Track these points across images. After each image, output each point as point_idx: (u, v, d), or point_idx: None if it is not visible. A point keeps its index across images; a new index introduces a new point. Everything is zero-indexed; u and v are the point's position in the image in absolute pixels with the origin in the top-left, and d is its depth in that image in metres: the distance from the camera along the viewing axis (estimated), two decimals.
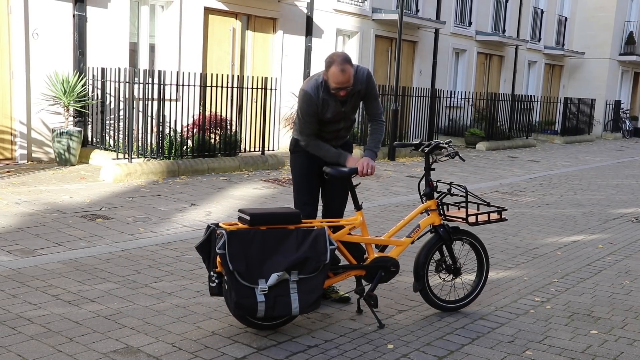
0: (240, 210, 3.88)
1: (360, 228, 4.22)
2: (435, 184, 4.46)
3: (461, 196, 4.45)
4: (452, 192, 4.42)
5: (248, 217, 3.76)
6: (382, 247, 4.37)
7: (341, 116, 4.35)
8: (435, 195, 4.44)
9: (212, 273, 3.80)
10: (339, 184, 4.45)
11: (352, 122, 4.51)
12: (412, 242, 4.40)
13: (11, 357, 3.35)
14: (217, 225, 3.81)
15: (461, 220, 4.39)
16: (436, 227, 4.40)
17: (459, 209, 4.48)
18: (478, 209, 4.46)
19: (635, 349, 3.97)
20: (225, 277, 3.67)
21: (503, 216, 4.55)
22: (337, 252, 4.04)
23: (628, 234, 7.41)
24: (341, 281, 4.56)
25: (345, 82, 4.09)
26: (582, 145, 21.40)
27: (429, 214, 4.42)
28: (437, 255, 4.50)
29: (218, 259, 3.68)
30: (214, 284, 3.81)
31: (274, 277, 3.66)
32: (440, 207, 4.43)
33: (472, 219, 4.39)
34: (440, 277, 4.53)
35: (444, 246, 4.47)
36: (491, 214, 4.47)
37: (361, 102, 4.49)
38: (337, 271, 4.15)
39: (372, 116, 4.50)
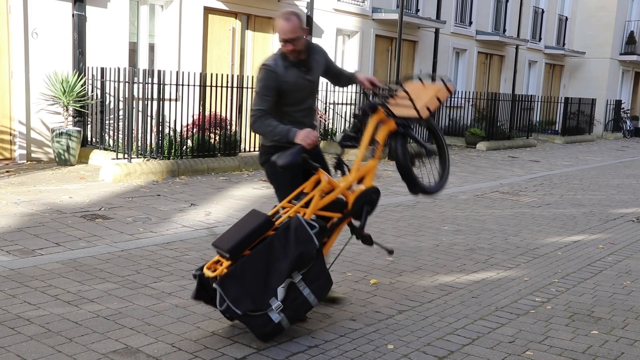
0: (214, 245, 3.83)
1: (329, 187, 4.06)
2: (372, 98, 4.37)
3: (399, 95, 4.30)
4: (393, 94, 4.30)
5: (227, 255, 3.70)
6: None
7: (308, 87, 4.24)
8: (377, 101, 4.29)
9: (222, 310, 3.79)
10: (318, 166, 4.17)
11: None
12: (380, 159, 4.29)
13: (11, 358, 3.35)
14: (201, 269, 3.79)
15: (415, 116, 4.21)
16: (396, 132, 4.29)
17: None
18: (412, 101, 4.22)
19: (636, 350, 3.96)
20: (238, 320, 3.72)
21: (448, 86, 4.39)
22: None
23: (629, 234, 7.40)
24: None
25: (290, 31, 4.00)
26: (582, 145, 21.38)
27: (382, 126, 4.28)
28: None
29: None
30: (228, 315, 3.82)
31: (281, 291, 3.67)
32: (388, 111, 4.26)
33: (424, 112, 4.23)
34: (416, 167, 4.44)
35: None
36: (438, 92, 4.31)
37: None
38: (330, 234, 4.07)
39: (341, 73, 4.56)
